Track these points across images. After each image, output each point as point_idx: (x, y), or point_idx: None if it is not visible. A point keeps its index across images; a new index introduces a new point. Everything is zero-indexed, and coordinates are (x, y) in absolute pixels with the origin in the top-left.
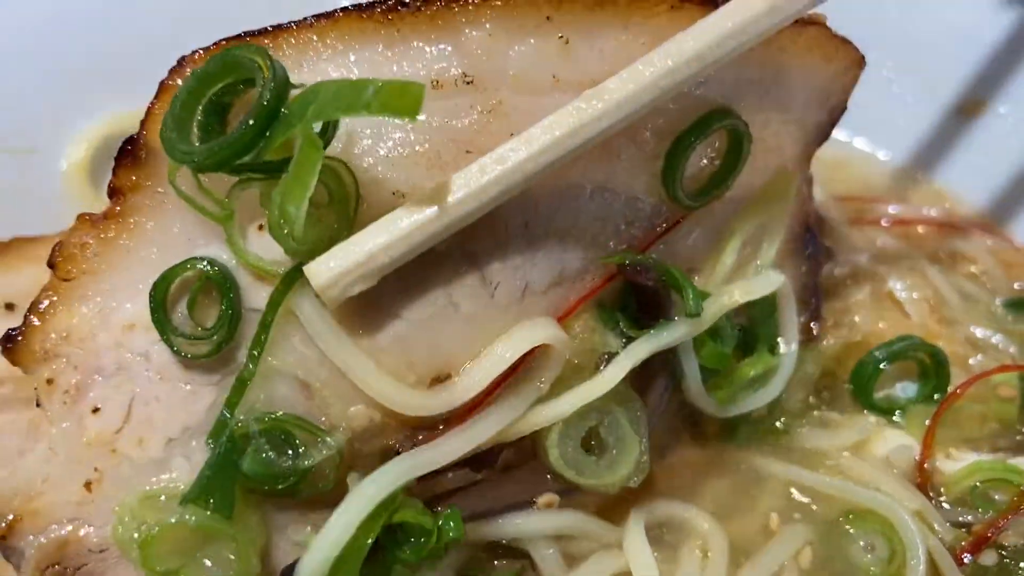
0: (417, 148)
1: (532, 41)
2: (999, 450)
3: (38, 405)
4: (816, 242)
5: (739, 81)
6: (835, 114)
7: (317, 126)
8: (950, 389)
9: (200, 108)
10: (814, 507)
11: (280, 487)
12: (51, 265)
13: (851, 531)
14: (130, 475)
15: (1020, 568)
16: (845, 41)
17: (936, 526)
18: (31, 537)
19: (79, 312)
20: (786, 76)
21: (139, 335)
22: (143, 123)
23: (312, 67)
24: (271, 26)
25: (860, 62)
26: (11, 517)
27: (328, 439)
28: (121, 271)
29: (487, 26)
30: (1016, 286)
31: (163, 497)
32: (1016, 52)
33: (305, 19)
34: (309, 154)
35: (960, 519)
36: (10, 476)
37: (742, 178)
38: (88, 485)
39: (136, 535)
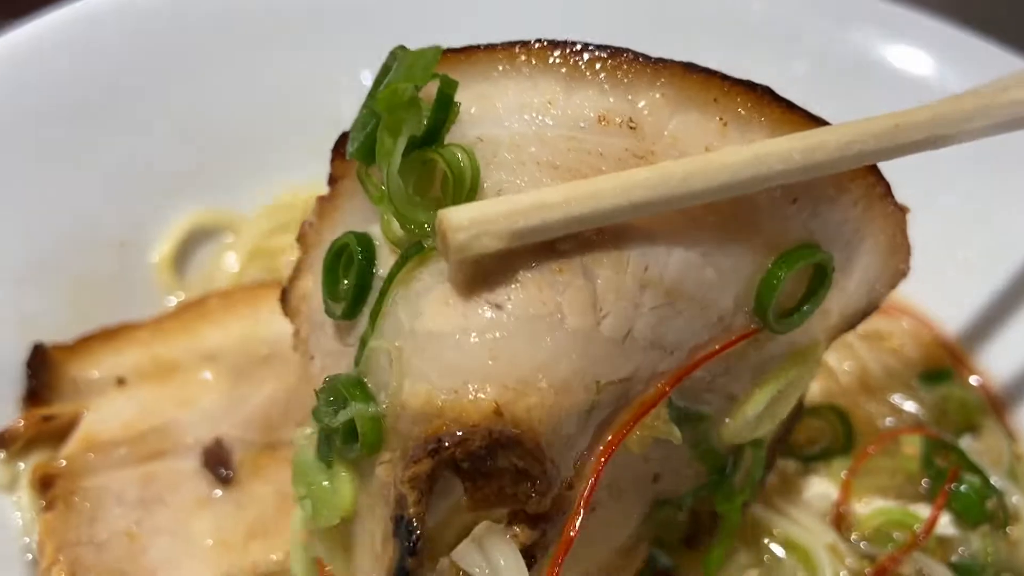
0: (557, 163)
1: (695, 115)
2: (902, 498)
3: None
4: (799, 415)
5: (835, 227)
6: (870, 308)
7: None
8: (869, 448)
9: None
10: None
11: (335, 446)
12: (297, 241)
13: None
14: None
15: None
16: (909, 248)
17: (845, 557)
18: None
19: (307, 278)
20: (860, 246)
21: None
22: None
23: (490, 84)
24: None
25: (906, 273)
26: None
27: (368, 405)
28: (327, 244)
29: (661, 90)
30: (929, 361)
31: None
32: None
33: (500, 43)
34: (382, 134)
35: (867, 553)
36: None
37: (792, 333)
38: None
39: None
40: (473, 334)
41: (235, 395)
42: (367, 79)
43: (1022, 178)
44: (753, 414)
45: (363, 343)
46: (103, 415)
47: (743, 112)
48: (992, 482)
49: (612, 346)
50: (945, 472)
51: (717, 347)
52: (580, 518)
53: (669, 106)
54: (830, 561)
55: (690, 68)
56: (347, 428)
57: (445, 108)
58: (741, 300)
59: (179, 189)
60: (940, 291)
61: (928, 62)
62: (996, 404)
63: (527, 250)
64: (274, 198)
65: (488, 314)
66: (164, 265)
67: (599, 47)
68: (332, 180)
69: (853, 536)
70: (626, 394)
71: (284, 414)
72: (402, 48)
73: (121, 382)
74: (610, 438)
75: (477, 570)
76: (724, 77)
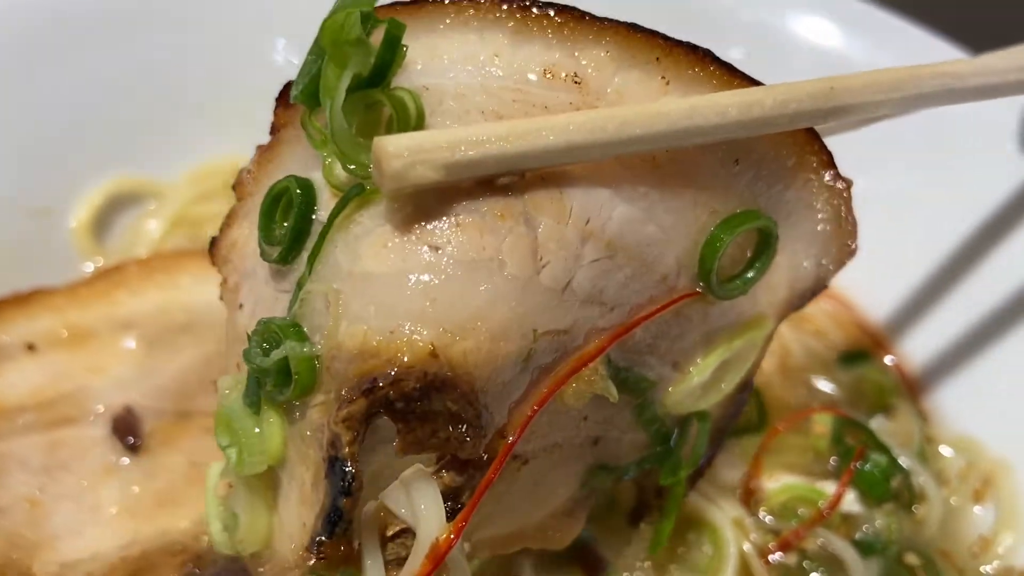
0: (502, 113)
1: (638, 73)
2: (811, 475)
3: (221, 299)
4: (747, 394)
5: (778, 194)
6: (819, 285)
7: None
8: (779, 426)
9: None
10: None
11: (264, 388)
12: (233, 188)
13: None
14: None
15: (814, 567)
16: (855, 223)
17: (751, 532)
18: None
19: (242, 227)
20: (804, 217)
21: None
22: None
23: (438, 35)
24: None
25: (854, 252)
26: None
27: (303, 344)
28: (264, 192)
29: (606, 48)
30: (847, 342)
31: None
32: None
33: None
34: (327, 68)
35: (772, 528)
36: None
37: (744, 301)
38: (238, 366)
39: (217, 413)
40: (411, 276)
41: (149, 363)
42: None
43: (947, 166)
44: (698, 383)
45: (299, 286)
46: (11, 380)
47: (685, 72)
48: (900, 462)
49: (551, 296)
50: (852, 451)
51: (658, 306)
52: (503, 465)
53: (613, 63)
54: (735, 535)
55: (634, 28)
56: (279, 369)
57: (392, 49)
58: (684, 261)
59: (101, 155)
60: (863, 275)
61: (865, 47)
62: (910, 386)
63: (468, 193)
64: (199, 165)
65: (427, 257)
66: (82, 231)
67: (546, 3)
68: (274, 129)
69: (761, 511)
70: (564, 347)
71: (200, 383)
72: None
73: (31, 348)
74: (545, 389)
75: (402, 511)
76: (666, 38)
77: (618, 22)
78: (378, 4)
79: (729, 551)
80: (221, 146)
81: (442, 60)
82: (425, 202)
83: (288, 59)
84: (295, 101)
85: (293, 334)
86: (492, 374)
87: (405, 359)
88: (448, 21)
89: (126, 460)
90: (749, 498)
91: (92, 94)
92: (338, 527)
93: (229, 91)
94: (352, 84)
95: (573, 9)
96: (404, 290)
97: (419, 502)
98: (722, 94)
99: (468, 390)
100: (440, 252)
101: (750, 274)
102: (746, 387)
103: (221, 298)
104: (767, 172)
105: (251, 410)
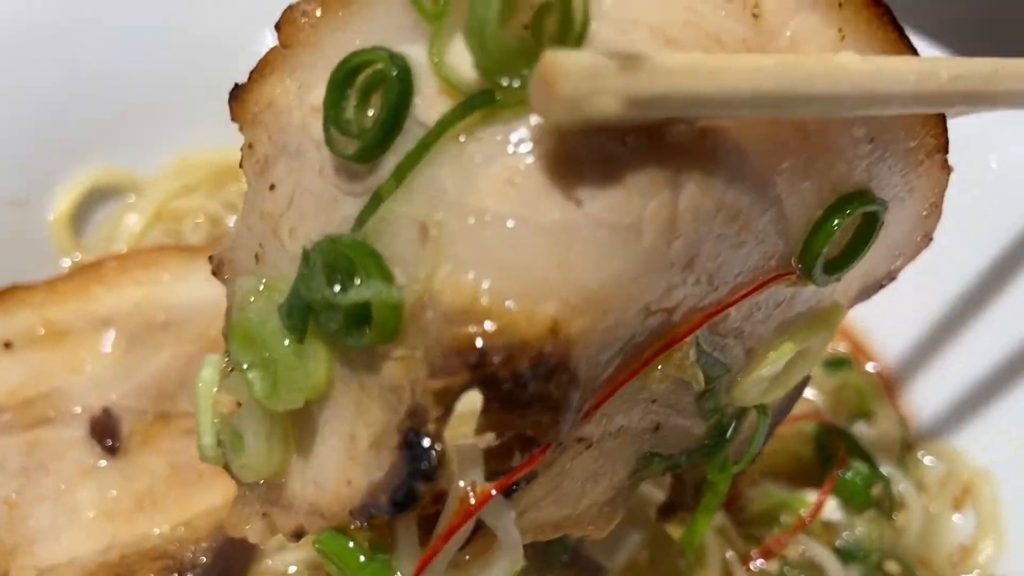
0: (670, 35)
1: (818, 19)
2: (793, 482)
3: (240, 166)
4: (803, 388)
5: (890, 176)
6: (888, 278)
7: None
8: None
9: None
10: None
11: (326, 325)
12: (277, 28)
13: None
14: (277, 262)
15: (796, 574)
16: (941, 214)
17: (733, 539)
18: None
19: (284, 84)
20: (904, 202)
21: (320, 122)
22: None
23: None
24: None
25: (930, 242)
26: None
27: (390, 287)
28: (328, 48)
29: None
30: (830, 348)
31: (275, 294)
32: None
33: None
34: None
35: (755, 534)
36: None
37: (822, 288)
38: (256, 257)
39: (236, 318)
40: (540, 229)
41: (128, 362)
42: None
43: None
44: (769, 373)
45: (377, 198)
46: None
47: (863, 27)
48: (881, 469)
49: (673, 272)
50: (835, 458)
51: (754, 286)
52: (561, 448)
53: (792, 4)
54: (718, 542)
55: None
56: (354, 310)
57: None
58: (792, 241)
59: (81, 147)
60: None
61: None
62: (891, 392)
63: (621, 137)
64: (180, 158)
65: (563, 209)
66: (60, 224)
67: None
68: None
69: (743, 518)
70: (664, 325)
71: (179, 383)
72: None
73: (8, 346)
74: (632, 369)
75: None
76: None
77: None
78: None
79: (715, 558)
80: (203, 138)
81: None
82: (569, 140)
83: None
84: None
85: (375, 269)
86: (596, 354)
87: (522, 332)
88: None
89: (104, 462)
90: (732, 505)
91: (72, 85)
92: (406, 509)
93: (213, 83)
94: None
95: None
96: (530, 245)
97: (459, 474)
98: (901, 60)
99: (576, 374)
100: (580, 207)
101: (851, 261)
102: (806, 380)
103: (241, 164)
104: (891, 153)
105: (292, 334)
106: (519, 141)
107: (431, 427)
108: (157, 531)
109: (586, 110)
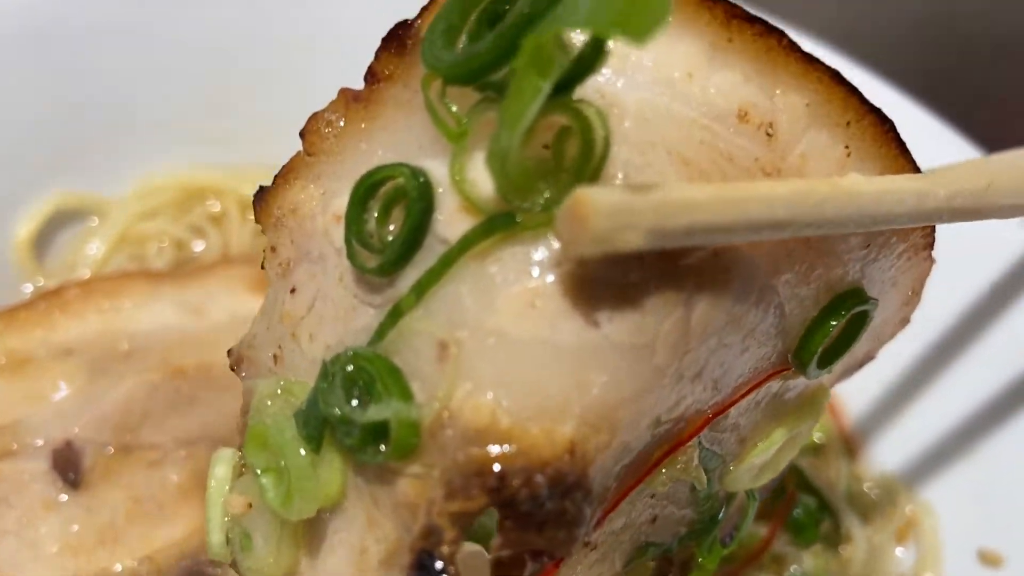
0: (688, 156)
1: (827, 137)
2: None
3: (262, 267)
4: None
5: (880, 273)
6: (868, 357)
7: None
8: None
9: (476, 13)
10: None
11: (343, 438)
12: (301, 136)
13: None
14: (295, 365)
15: None
16: (919, 301)
17: None
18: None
19: (308, 190)
20: (888, 293)
21: (342, 230)
22: (424, 9)
23: None
24: None
25: (908, 322)
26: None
27: (409, 405)
28: (351, 159)
29: (807, 96)
30: None
31: (292, 398)
32: None
33: None
34: (527, 74)
35: None
36: None
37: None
38: (274, 358)
39: (253, 421)
40: (559, 351)
41: (90, 392)
42: (242, 58)
43: None
44: (760, 461)
45: (397, 313)
46: None
47: (868, 144)
48: (828, 502)
49: (682, 384)
50: (784, 492)
51: (752, 385)
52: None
53: (808, 118)
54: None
55: (837, 77)
56: (373, 428)
57: (597, 54)
58: (788, 340)
59: (43, 169)
60: None
61: None
62: (841, 426)
63: (639, 262)
64: (144, 181)
65: (581, 332)
66: (22, 249)
67: (754, 17)
68: (374, 77)
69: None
70: (671, 431)
71: (143, 414)
72: None
73: None
74: (639, 476)
75: None
76: (862, 98)
77: (824, 65)
78: None
79: None
80: (168, 161)
81: (624, 65)
82: (589, 264)
83: (236, 70)
84: (432, 70)
85: (395, 387)
86: (612, 467)
87: (541, 453)
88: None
89: (65, 496)
90: None
91: (35, 107)
92: None
93: (178, 106)
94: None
95: (782, 34)
96: (550, 367)
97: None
98: (902, 179)
99: (590, 488)
100: (599, 329)
101: (841, 354)
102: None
103: (263, 266)
104: (883, 254)
105: (308, 444)
106: (540, 264)
107: (445, 549)
108: (119, 566)
109: (615, 244)
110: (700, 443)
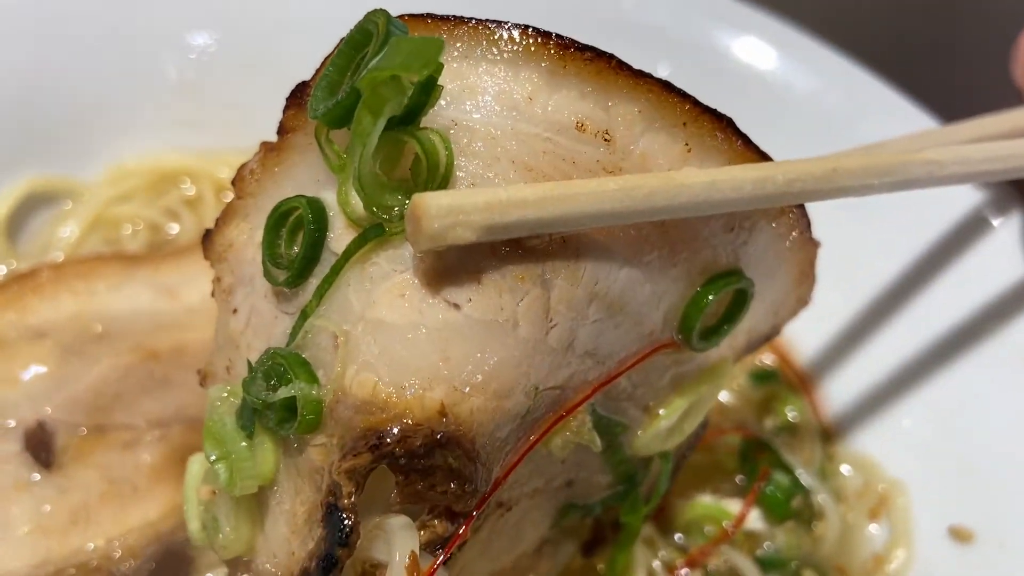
0: (531, 164)
1: (664, 136)
2: (718, 494)
3: (212, 295)
4: (704, 430)
5: (759, 255)
6: (773, 333)
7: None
8: None
9: (349, 70)
10: None
11: (266, 422)
12: (232, 184)
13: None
14: (240, 371)
15: None
16: (815, 280)
17: (660, 550)
18: None
19: (240, 227)
20: (775, 274)
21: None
22: (317, 71)
23: (470, 64)
24: (456, 17)
25: (808, 303)
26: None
27: (312, 386)
28: (269, 198)
29: (638, 104)
30: (758, 361)
31: (234, 398)
32: None
33: (489, 20)
34: (363, 113)
35: (681, 546)
36: None
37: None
38: (227, 369)
39: (207, 420)
40: (426, 331)
41: (63, 374)
42: (216, 42)
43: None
44: (665, 426)
45: (303, 315)
46: None
47: (708, 140)
48: (802, 480)
49: (555, 355)
50: (758, 470)
51: (638, 358)
52: (484, 515)
53: (643, 123)
54: (645, 552)
55: (668, 87)
56: (284, 405)
57: (428, 92)
58: (670, 317)
59: (17, 153)
60: None
61: (791, 70)
62: (815, 404)
63: (491, 250)
64: (118, 165)
65: (444, 313)
66: None
67: (585, 46)
68: (283, 130)
69: (671, 529)
70: (557, 400)
71: (115, 396)
72: (390, 20)
73: None
74: (532, 439)
75: (381, 555)
76: (695, 102)
77: (652, 78)
78: (416, 13)
79: (641, 567)
80: (141, 145)
81: (474, 94)
82: (447, 255)
83: (208, 54)
84: (314, 119)
85: (303, 373)
86: (493, 430)
87: (414, 416)
88: (485, 47)
89: (38, 476)
90: (660, 516)
91: (7, 91)
92: (331, 573)
93: (151, 88)
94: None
95: (612, 57)
96: (418, 344)
97: (395, 553)
98: (739, 168)
99: (470, 447)
100: (458, 309)
101: (725, 327)
102: (704, 425)
103: (212, 295)
104: (756, 237)
105: (244, 432)
106: (405, 261)
107: (345, 502)
108: (92, 546)
109: (449, 240)
110: (594, 409)
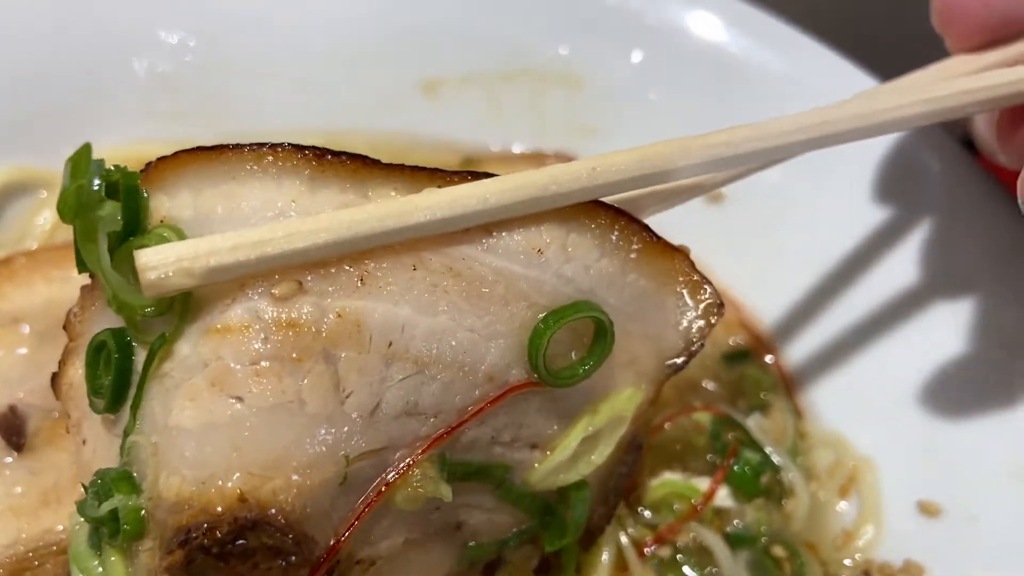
0: None
1: None
2: (688, 471)
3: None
4: (639, 452)
5: (610, 286)
6: (692, 345)
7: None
8: (662, 424)
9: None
10: None
11: (105, 537)
12: (64, 328)
13: None
14: None
15: (686, 559)
16: (703, 280)
17: (628, 527)
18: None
19: (75, 366)
20: (642, 292)
21: None
22: None
23: (238, 182)
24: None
25: (718, 305)
26: None
27: (131, 497)
28: (91, 335)
29: (394, 187)
30: (731, 341)
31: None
32: None
33: (248, 144)
34: (83, 244)
35: (649, 522)
36: None
37: (601, 378)
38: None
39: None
40: (217, 428)
41: (37, 360)
42: (194, 35)
43: (830, 175)
44: (561, 460)
45: (126, 434)
46: None
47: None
48: (773, 459)
49: (359, 422)
50: (728, 448)
51: (485, 402)
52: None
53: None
54: (612, 528)
55: (417, 169)
56: (111, 518)
57: (134, 197)
58: (511, 356)
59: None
60: (749, 275)
61: (763, 55)
62: (787, 383)
63: (266, 338)
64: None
65: (230, 408)
66: None
67: (340, 152)
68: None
69: (640, 507)
70: (385, 461)
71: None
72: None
73: None
74: (369, 501)
75: None
76: (445, 177)
77: (404, 167)
78: (178, 151)
79: (607, 544)
80: (115, 136)
81: (240, 207)
82: (227, 351)
83: (187, 44)
84: (81, 272)
85: (124, 486)
86: (307, 504)
87: (217, 507)
88: (248, 168)
89: (10, 459)
90: (630, 494)
91: None
92: None
93: (125, 80)
94: (111, 242)
95: (365, 157)
96: (211, 441)
97: None
98: (482, 183)
99: (283, 524)
100: (242, 402)
101: (590, 363)
102: (632, 447)
103: (68, 430)
104: (577, 256)
105: (94, 550)
106: (193, 368)
107: None
108: (62, 526)
109: (168, 287)
110: (445, 460)
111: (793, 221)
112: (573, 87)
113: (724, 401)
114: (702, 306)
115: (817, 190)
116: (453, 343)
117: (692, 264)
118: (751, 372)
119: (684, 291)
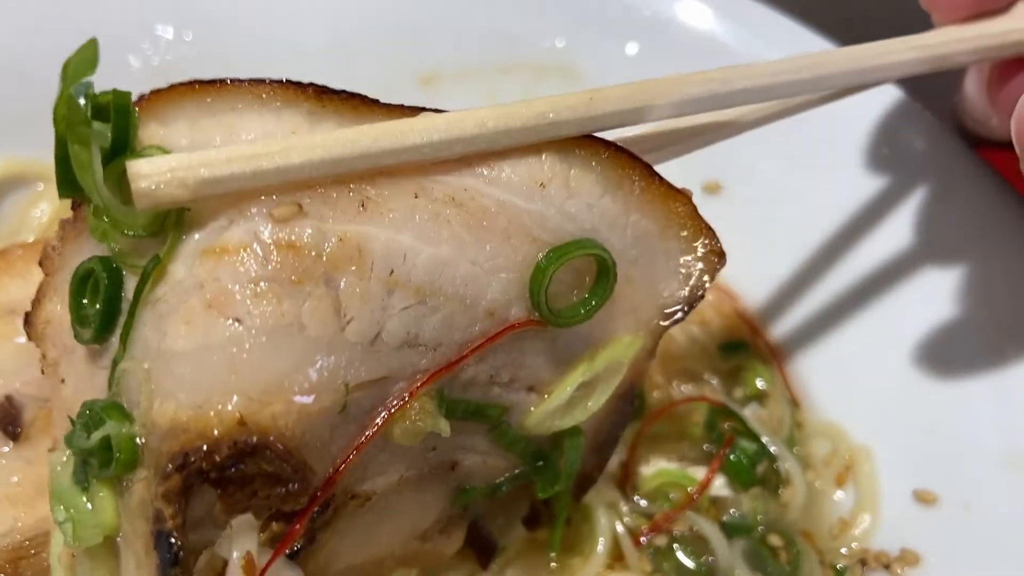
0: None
1: None
2: (684, 461)
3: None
4: (634, 402)
5: (612, 226)
6: (693, 297)
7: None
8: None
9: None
10: None
11: (93, 470)
12: (39, 264)
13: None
14: None
15: (682, 548)
16: (710, 229)
17: (624, 515)
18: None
19: (53, 301)
20: (646, 234)
21: None
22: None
23: (237, 113)
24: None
25: (720, 254)
26: None
27: (124, 425)
28: (73, 268)
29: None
30: (727, 332)
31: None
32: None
33: (247, 79)
34: (74, 148)
35: (645, 511)
36: None
37: (601, 324)
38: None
39: (50, 487)
40: (214, 350)
41: (33, 350)
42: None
43: (820, 162)
44: (556, 405)
45: (115, 364)
46: None
47: None
48: (769, 448)
49: (359, 350)
50: (723, 437)
51: (485, 338)
52: (332, 508)
53: None
54: (607, 516)
55: (414, 109)
56: (102, 448)
57: (124, 115)
58: (512, 293)
59: None
60: (746, 265)
61: (759, 45)
62: (784, 374)
63: (267, 259)
64: None
65: (228, 329)
66: None
67: (342, 91)
68: (76, 204)
69: (636, 496)
70: (385, 392)
71: None
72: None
73: None
74: (368, 432)
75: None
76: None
77: (404, 106)
78: (175, 83)
79: (603, 531)
80: None
81: (240, 138)
82: (224, 273)
83: (183, 37)
84: (62, 198)
85: (115, 414)
86: (306, 431)
87: (215, 431)
88: (247, 101)
89: (6, 448)
90: (626, 483)
91: None
92: None
93: (119, 70)
94: (103, 160)
95: (364, 96)
96: (208, 364)
97: (235, 546)
98: (481, 109)
99: (282, 450)
100: (240, 323)
101: (592, 302)
102: (628, 397)
103: (43, 371)
104: (578, 192)
105: (81, 487)
106: (188, 291)
107: (169, 524)
108: None
109: (161, 198)
110: (441, 396)
111: (787, 212)
112: (570, 79)
113: (721, 391)
114: (705, 252)
115: (811, 182)
116: (455, 275)
117: (695, 208)
118: (748, 362)
119: (687, 235)
